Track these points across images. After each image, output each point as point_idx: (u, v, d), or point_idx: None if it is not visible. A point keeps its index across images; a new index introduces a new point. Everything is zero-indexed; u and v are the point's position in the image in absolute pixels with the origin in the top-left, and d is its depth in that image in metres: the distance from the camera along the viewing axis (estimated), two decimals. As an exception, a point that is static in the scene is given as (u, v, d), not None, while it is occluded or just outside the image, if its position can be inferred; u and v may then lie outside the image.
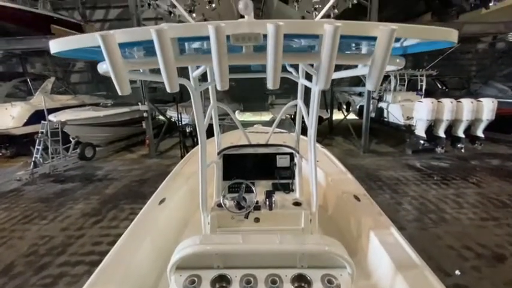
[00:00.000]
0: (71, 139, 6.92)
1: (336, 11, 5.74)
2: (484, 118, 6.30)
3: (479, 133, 6.55)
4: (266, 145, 2.03)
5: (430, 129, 6.73)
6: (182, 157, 7.03)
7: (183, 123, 7.43)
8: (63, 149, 6.51)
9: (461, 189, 5.15)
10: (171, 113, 8.82)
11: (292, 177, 1.92)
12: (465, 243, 3.41)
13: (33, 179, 5.89)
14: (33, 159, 5.97)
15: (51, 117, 6.74)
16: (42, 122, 6.24)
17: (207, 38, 0.80)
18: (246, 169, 1.93)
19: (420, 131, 6.75)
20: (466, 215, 4.15)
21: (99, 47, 0.83)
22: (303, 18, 6.82)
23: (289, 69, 1.75)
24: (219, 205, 1.76)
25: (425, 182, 5.50)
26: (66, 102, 8.71)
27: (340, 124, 9.35)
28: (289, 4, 6.17)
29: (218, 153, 1.95)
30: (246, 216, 1.66)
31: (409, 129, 7.24)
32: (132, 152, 8.54)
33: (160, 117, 9.19)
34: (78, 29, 8.40)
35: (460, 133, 6.63)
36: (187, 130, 6.81)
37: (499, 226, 3.79)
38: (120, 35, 0.81)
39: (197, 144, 6.78)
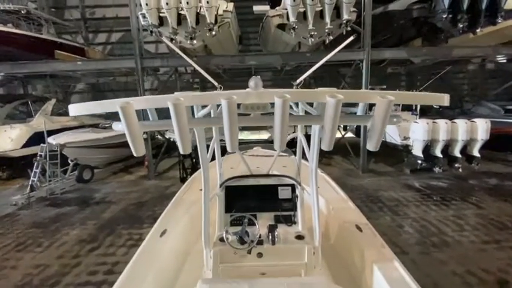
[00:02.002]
0: (69, 161, 6.90)
1: (330, 37, 5.98)
2: (479, 138, 6.41)
3: (475, 153, 6.63)
4: (268, 175, 2.05)
5: (427, 149, 6.81)
6: (181, 179, 7.09)
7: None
8: (61, 172, 6.47)
9: (461, 210, 5.14)
10: (171, 134, 8.87)
11: (294, 209, 1.93)
12: (468, 268, 3.36)
13: (30, 203, 5.80)
14: (30, 182, 5.91)
15: (50, 139, 6.75)
16: (42, 145, 6.24)
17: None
18: (248, 201, 1.94)
19: (417, 151, 6.83)
20: (468, 238, 4.11)
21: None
22: (299, 44, 7.09)
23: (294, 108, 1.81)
24: (221, 239, 1.75)
25: (425, 203, 5.49)
26: (66, 124, 8.76)
27: (338, 143, 9.44)
28: (285, 31, 6.42)
29: (220, 186, 1.97)
30: (249, 252, 1.65)
31: (406, 149, 7.32)
32: (131, 173, 8.49)
33: (159, 137, 9.26)
34: (81, 52, 8.63)
35: (457, 153, 6.70)
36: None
37: (501, 249, 3.76)
38: (138, 103, 0.86)
39: (196, 165, 6.70)
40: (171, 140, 9.23)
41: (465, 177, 6.93)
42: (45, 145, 6.23)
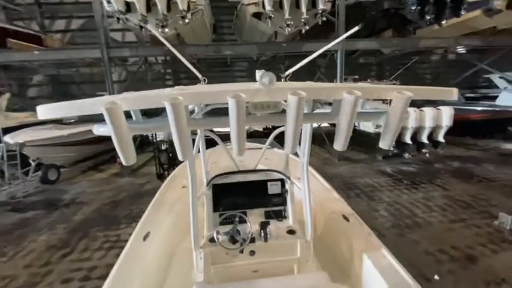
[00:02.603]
0: (31, 161, 6.32)
1: (306, 27, 5.96)
2: (443, 125, 6.87)
3: (441, 138, 7.11)
4: (256, 171, 2.00)
5: (398, 136, 7.16)
6: (158, 175, 6.81)
7: (158, 139, 7.14)
8: (22, 173, 5.91)
9: (429, 192, 5.51)
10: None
11: (284, 203, 1.90)
12: (440, 247, 3.61)
13: (-13, 209, 5.26)
14: (-14, 186, 5.34)
15: (7, 138, 6.11)
16: (-3, 144, 5.64)
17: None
18: (236, 198, 1.88)
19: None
20: (437, 218, 4.42)
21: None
22: (276, 33, 7.00)
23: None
24: (211, 240, 1.68)
25: (397, 188, 5.81)
26: (24, 120, 7.96)
27: (315, 132, 9.62)
28: (261, 20, 6.29)
29: (207, 184, 1.88)
30: (242, 251, 1.60)
31: (378, 136, 7.64)
32: (102, 171, 8.01)
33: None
34: (38, 41, 7.78)
35: (424, 139, 7.14)
36: (163, 147, 6.55)
37: (467, 227, 4.09)
38: (127, 104, 0.74)
39: (173, 160, 6.43)
40: (144, 134, 8.81)
41: (432, 161, 7.43)
42: (1, 145, 5.62)
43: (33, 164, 6.30)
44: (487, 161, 7.33)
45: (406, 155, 7.32)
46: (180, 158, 0.89)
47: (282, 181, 1.93)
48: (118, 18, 5.41)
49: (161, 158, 7.07)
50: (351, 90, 0.78)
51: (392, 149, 7.14)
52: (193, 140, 1.88)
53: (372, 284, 1.63)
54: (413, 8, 5.82)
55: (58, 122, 8.52)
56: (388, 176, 6.61)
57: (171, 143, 6.53)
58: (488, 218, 4.28)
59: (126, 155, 0.82)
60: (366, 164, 7.70)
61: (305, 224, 1.75)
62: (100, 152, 8.40)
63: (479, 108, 8.60)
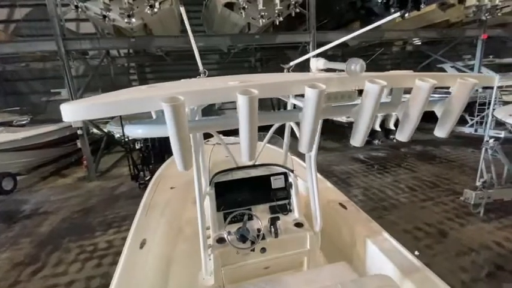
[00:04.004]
0: (-20, 170, 5.57)
1: (280, 18, 5.93)
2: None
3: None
4: (258, 166, 1.94)
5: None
6: (132, 176, 6.41)
7: (130, 138, 6.68)
8: (-31, 185, 5.18)
9: (399, 175, 5.92)
10: (113, 128, 7.86)
11: (289, 197, 1.88)
12: (415, 225, 3.92)
13: None
14: None
15: None
16: None
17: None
18: (240, 195, 1.81)
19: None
20: (409, 199, 4.78)
21: None
22: (249, 25, 6.88)
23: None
24: (219, 240, 1.61)
25: (371, 173, 6.15)
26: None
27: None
28: (234, 10, 6.12)
29: (210, 183, 1.78)
30: (253, 249, 1.56)
31: (351, 125, 8.01)
32: (65, 176, 7.32)
33: (95, 130, 8.11)
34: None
35: (391, 125, 7.62)
36: (137, 146, 6.15)
37: (436, 205, 4.48)
38: (191, 99, 0.63)
39: (148, 160, 6.05)
40: (111, 133, 8.21)
41: (398, 146, 7.97)
42: None
43: (-18, 173, 5.55)
44: (445, 143, 8.06)
45: (376, 142, 7.77)
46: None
47: (285, 175, 1.90)
48: (76, 7, 4.88)
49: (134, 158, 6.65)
50: (423, 78, 0.77)
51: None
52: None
53: (379, 266, 1.69)
54: (379, 1, 6.09)
55: (8, 124, 7.58)
56: (361, 162, 6.97)
57: (144, 140, 6.17)
58: (452, 195, 4.73)
59: (185, 159, 0.70)
60: (340, 152, 8.03)
61: (313, 216, 1.75)
62: (62, 155, 7.67)
63: (435, 96, 9.36)
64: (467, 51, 10.75)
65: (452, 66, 10.63)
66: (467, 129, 9.01)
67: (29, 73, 10.86)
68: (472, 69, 9.37)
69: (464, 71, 9.82)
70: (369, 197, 4.97)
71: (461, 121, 9.63)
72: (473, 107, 8.75)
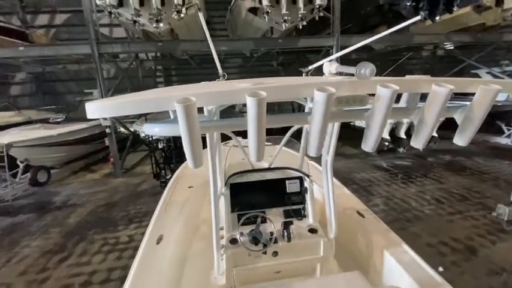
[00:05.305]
0: (19, 163, 6.04)
1: (304, 22, 5.91)
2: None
3: (434, 133, 7.25)
4: (273, 168, 1.95)
5: (392, 131, 7.29)
6: (154, 174, 6.65)
7: (154, 138, 6.94)
8: (10, 175, 5.63)
9: (425, 186, 5.62)
10: (138, 127, 8.22)
11: (304, 202, 1.87)
12: (441, 239, 3.69)
13: (-27, 214, 5.00)
14: (-29, 191, 5.06)
15: (-8, 139, 5.81)
16: (-18, 146, 5.34)
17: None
18: (255, 197, 1.82)
19: (384, 133, 7.26)
20: (435, 211, 4.52)
21: None
22: (272, 29, 6.92)
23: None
24: (232, 241, 1.63)
25: (394, 182, 5.90)
26: (9, 120, 7.61)
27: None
28: (257, 15, 6.20)
29: (225, 184, 1.82)
30: (265, 252, 1.56)
31: (373, 132, 7.75)
32: (94, 171, 7.76)
33: (122, 129, 8.52)
34: (23, 37, 7.39)
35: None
36: (160, 146, 6.38)
37: (465, 219, 4.19)
38: (203, 100, 0.66)
39: (169, 159, 6.21)
40: (137, 132, 8.58)
41: (425, 155, 7.59)
42: (-14, 146, 5.34)
43: (21, 165, 6.02)
44: (478, 154, 7.55)
45: (401, 150, 7.45)
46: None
47: (301, 179, 1.89)
48: (110, 13, 5.19)
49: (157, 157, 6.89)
50: (440, 83, 0.74)
51: (387, 144, 7.24)
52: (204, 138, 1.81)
53: (396, 279, 1.62)
54: (408, 3, 5.88)
55: (44, 121, 8.20)
56: (384, 170, 6.71)
57: (167, 140, 6.38)
58: (484, 210, 4.40)
59: (196, 158, 0.73)
60: (360, 159, 7.78)
61: (328, 222, 1.72)
62: (91, 152, 8.13)
63: (467, 103, 8.82)
64: (505, 56, 10.04)
65: (488, 72, 9.97)
66: (503, 140, 8.39)
67: (66, 74, 11.70)
68: (510, 75, 8.73)
69: (501, 77, 9.17)
70: (391, 207, 4.77)
71: (497, 131, 8.97)
72: (511, 117, 8.14)
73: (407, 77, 0.91)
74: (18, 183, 5.89)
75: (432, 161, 7.23)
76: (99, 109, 0.70)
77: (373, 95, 0.83)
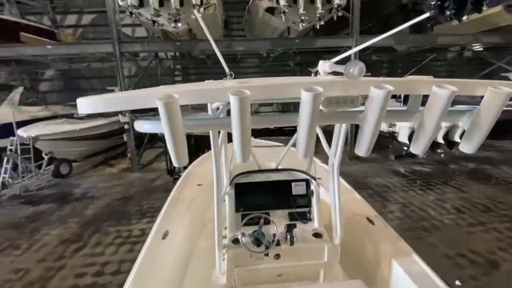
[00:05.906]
0: (44, 155, 6.38)
1: (322, 22, 5.82)
2: (460, 124, 6.64)
3: (457, 138, 6.87)
4: (280, 170, 1.92)
5: (412, 135, 7.00)
6: (168, 171, 6.80)
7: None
8: (35, 167, 5.97)
9: (445, 194, 5.35)
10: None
11: (309, 205, 1.83)
12: (459, 251, 3.49)
13: (1, 201, 5.33)
14: (0, 179, 5.40)
15: (20, 131, 6.18)
16: (11, 138, 5.68)
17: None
18: (259, 198, 1.81)
19: (403, 137, 6.99)
20: (455, 221, 4.29)
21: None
22: (288, 29, 6.87)
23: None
24: (234, 241, 1.62)
25: (412, 188, 5.67)
26: (36, 114, 8.06)
27: (325, 129, 9.48)
28: (275, 15, 6.17)
29: (230, 183, 1.82)
30: (267, 254, 1.54)
31: (392, 135, 7.48)
32: (112, 165, 8.06)
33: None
34: (52, 36, 7.81)
35: (440, 139, 6.92)
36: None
37: (487, 231, 3.95)
38: (186, 98, 0.67)
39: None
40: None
41: (446, 162, 7.23)
42: (14, 138, 5.68)
43: (45, 157, 6.36)
44: (504, 162, 7.10)
45: (420, 155, 7.14)
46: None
47: (307, 182, 1.85)
48: (131, 13, 5.37)
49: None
50: (441, 84, 0.69)
51: (406, 148, 6.97)
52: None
53: None
54: (433, 2, 5.62)
55: (69, 116, 8.61)
56: (402, 176, 6.47)
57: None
58: (509, 222, 4.13)
59: (179, 155, 0.74)
60: (378, 163, 7.54)
61: (333, 227, 1.67)
62: (110, 147, 8.45)
63: (476, 107, 8.30)
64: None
65: (519, 76, 9.33)
66: (535, 149, 7.82)
67: (90, 72, 12.22)
68: (545, 79, 8.13)
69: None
70: (407, 215, 4.58)
71: (528, 138, 8.41)
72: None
73: (408, 77, 0.86)
74: (43, 174, 6.22)
75: (454, 168, 6.88)
76: (89, 105, 0.73)
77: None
